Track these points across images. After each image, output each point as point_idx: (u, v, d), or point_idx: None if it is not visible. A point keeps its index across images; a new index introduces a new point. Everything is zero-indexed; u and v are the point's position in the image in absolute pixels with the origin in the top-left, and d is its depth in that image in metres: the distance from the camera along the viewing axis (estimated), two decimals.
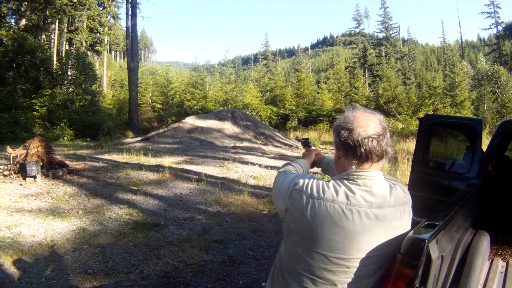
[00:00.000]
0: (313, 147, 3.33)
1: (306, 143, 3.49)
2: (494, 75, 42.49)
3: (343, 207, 1.83)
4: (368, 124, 1.88)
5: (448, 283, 3.05)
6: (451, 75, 43.61)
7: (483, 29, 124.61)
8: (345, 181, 1.91)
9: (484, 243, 3.53)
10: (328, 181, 1.96)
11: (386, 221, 1.85)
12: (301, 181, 1.99)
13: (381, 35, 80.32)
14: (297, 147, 22.10)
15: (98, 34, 48.78)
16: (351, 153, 1.90)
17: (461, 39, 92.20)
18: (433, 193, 5.47)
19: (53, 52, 38.38)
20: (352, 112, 1.97)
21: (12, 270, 5.90)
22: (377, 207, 1.85)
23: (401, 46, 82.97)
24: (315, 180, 1.97)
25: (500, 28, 73.26)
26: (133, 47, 32.33)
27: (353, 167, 1.92)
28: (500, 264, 4.26)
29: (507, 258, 4.58)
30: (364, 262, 1.83)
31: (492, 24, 72.49)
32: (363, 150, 1.86)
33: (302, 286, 1.92)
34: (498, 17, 71.93)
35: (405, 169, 12.78)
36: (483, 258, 3.41)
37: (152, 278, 5.79)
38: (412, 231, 1.89)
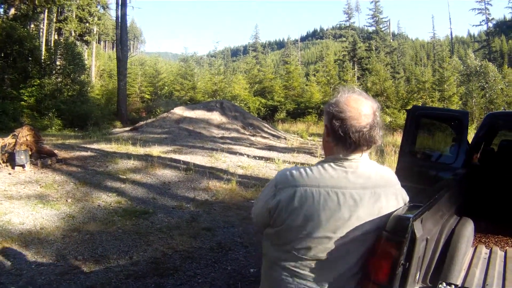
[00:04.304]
0: None
1: None
2: (483, 71, 42.78)
3: (328, 190, 1.85)
4: (360, 115, 1.87)
5: (432, 267, 3.13)
6: (440, 70, 43.79)
7: (473, 25, 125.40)
8: (332, 164, 1.93)
9: (468, 228, 3.61)
10: (312, 166, 1.97)
11: (369, 201, 1.88)
12: (281, 177, 2.00)
13: (371, 29, 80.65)
14: (285, 138, 22.16)
15: (87, 24, 48.36)
16: (341, 143, 1.91)
17: (451, 35, 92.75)
18: (419, 183, 5.56)
19: (42, 42, 38.06)
20: (345, 96, 1.95)
21: (2, 257, 5.93)
22: (362, 187, 1.89)
23: (391, 40, 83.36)
24: (294, 170, 1.98)
25: (490, 25, 73.78)
26: (122, 37, 32.13)
27: (341, 155, 1.93)
28: (483, 250, 4.35)
29: (491, 246, 4.68)
30: (347, 239, 1.86)
31: (483, 20, 72.99)
32: (353, 141, 1.87)
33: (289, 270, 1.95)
34: (489, 14, 72.39)
35: (392, 161, 12.88)
36: (467, 243, 3.48)
37: (142, 264, 5.86)
38: (397, 210, 1.94)
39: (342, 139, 1.89)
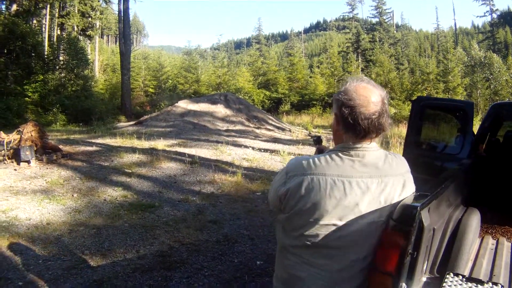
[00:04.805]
0: (325, 146, 3.19)
1: (318, 140, 3.30)
2: (487, 62, 42.63)
3: (334, 178, 1.88)
4: (369, 102, 1.89)
5: (440, 257, 3.13)
6: (444, 61, 43.63)
7: (477, 16, 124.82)
8: (339, 153, 1.95)
9: (475, 219, 3.61)
10: (321, 155, 1.99)
11: (376, 190, 1.90)
12: (291, 165, 2.04)
13: (374, 20, 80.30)
14: (290, 131, 22.15)
15: (89, 19, 48.45)
16: (351, 131, 1.92)
17: (455, 26, 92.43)
18: (424, 173, 5.54)
19: (45, 38, 38.18)
20: (354, 84, 1.97)
21: (9, 252, 5.95)
22: (368, 176, 1.90)
23: (395, 31, 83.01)
24: (304, 159, 2.00)
25: (494, 15, 73.42)
26: (125, 31, 32.10)
27: (351, 142, 1.95)
28: (490, 241, 4.35)
29: (497, 236, 4.67)
30: (354, 228, 1.87)
31: (487, 11, 72.62)
32: (362, 128, 1.89)
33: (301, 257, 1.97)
34: (493, 4, 72.01)
35: (398, 152, 12.78)
36: (473, 233, 3.48)
37: (149, 258, 5.87)
38: (404, 199, 1.94)
39: (351, 127, 1.91)
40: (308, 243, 1.93)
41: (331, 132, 2.17)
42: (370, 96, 1.91)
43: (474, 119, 6.35)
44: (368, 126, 1.89)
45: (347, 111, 1.90)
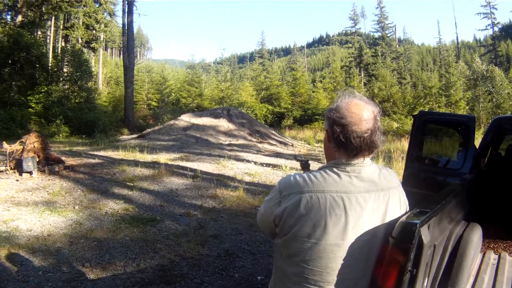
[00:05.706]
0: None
1: (306, 165, 3.31)
2: (489, 75, 42.71)
3: (333, 195, 1.84)
4: (361, 120, 1.87)
5: (440, 273, 3.11)
6: (446, 75, 43.81)
7: (479, 30, 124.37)
8: (334, 169, 1.92)
9: (476, 234, 3.59)
10: (316, 172, 1.96)
11: (374, 205, 1.88)
12: (285, 183, 1.97)
13: (377, 35, 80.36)
14: (292, 145, 22.14)
15: (94, 31, 48.57)
16: (343, 148, 1.90)
17: (457, 39, 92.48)
18: (426, 189, 5.51)
19: (49, 49, 38.32)
20: (346, 101, 1.94)
21: (9, 263, 5.93)
22: (366, 191, 1.88)
23: (397, 46, 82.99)
24: (298, 176, 1.96)
25: (496, 29, 73.37)
26: (129, 44, 32.24)
27: (344, 160, 1.92)
28: (492, 256, 4.32)
29: (499, 251, 4.65)
30: (356, 245, 1.84)
31: (488, 25, 72.55)
32: (354, 146, 1.87)
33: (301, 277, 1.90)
34: (494, 18, 71.97)
35: (400, 167, 12.82)
36: (475, 249, 3.46)
37: (149, 271, 5.85)
38: (404, 216, 1.93)
39: (343, 145, 1.89)
40: (309, 267, 1.86)
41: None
42: (362, 114, 1.89)
43: (476, 132, 6.34)
44: (360, 144, 1.87)
45: (338, 129, 1.89)
